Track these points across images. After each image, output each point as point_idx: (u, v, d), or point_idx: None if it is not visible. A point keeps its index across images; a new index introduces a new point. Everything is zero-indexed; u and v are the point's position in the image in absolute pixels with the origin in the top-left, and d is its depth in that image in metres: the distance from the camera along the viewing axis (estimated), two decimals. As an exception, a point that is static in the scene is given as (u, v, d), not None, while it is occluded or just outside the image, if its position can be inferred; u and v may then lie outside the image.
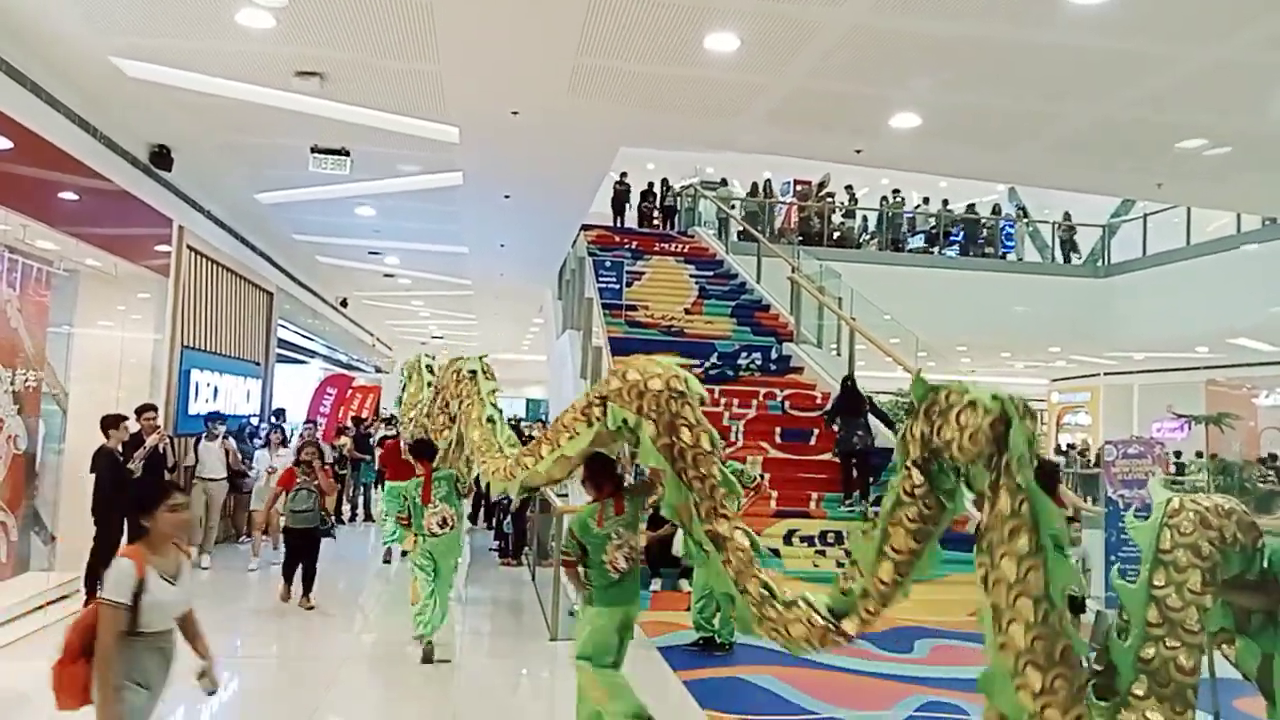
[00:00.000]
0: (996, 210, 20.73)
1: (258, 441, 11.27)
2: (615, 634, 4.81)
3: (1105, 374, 25.18)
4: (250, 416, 12.46)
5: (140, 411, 8.38)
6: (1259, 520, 3.58)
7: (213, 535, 10.06)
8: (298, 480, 8.37)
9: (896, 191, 21.06)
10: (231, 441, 10.30)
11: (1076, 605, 7.60)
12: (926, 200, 21.65)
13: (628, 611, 4.86)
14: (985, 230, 20.21)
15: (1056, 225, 20.13)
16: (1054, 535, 2.86)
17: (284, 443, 11.04)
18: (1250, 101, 6.79)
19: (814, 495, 10.17)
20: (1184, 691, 3.24)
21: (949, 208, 20.58)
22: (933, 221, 20.41)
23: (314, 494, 8.35)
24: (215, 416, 10.24)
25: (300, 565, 8.25)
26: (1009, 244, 20.42)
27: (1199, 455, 19.75)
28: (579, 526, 4.88)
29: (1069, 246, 20.08)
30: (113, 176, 8.16)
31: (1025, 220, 20.35)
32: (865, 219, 20.97)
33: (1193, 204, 14.95)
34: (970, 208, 20.39)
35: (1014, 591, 2.87)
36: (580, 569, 4.88)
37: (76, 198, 7.76)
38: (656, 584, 8.63)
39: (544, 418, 15.90)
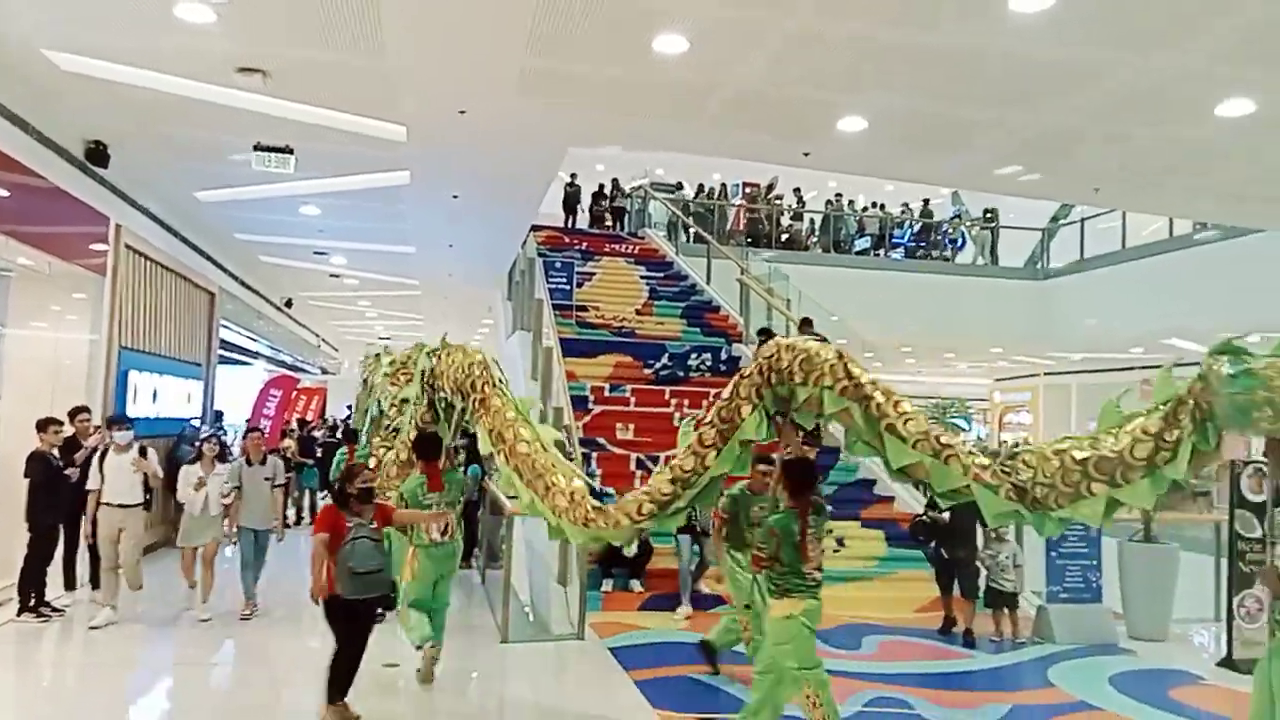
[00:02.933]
0: (958, 216, 21.16)
1: (188, 451, 8.80)
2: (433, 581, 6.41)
3: (1045, 374, 25.78)
4: (191, 419, 12.11)
5: (73, 414, 8.15)
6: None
7: (136, 577, 7.66)
8: (349, 525, 5.30)
9: (839, 195, 21.33)
10: (152, 454, 7.89)
11: (1009, 599, 7.78)
12: (875, 204, 21.95)
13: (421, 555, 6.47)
14: (934, 232, 20.59)
15: (994, 227, 20.56)
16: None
17: (222, 456, 8.55)
18: (1186, 110, 7.01)
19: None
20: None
21: (896, 210, 20.92)
22: (878, 225, 20.72)
23: (379, 543, 5.39)
24: (119, 420, 8.02)
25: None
26: (956, 245, 20.81)
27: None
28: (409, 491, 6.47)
29: (989, 245, 20.52)
30: (46, 173, 7.91)
31: (972, 224, 20.75)
32: (813, 221, 21.21)
33: (1127, 209, 15.38)
34: (907, 207, 20.74)
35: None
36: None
37: (7, 194, 7.50)
38: (608, 584, 8.62)
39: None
